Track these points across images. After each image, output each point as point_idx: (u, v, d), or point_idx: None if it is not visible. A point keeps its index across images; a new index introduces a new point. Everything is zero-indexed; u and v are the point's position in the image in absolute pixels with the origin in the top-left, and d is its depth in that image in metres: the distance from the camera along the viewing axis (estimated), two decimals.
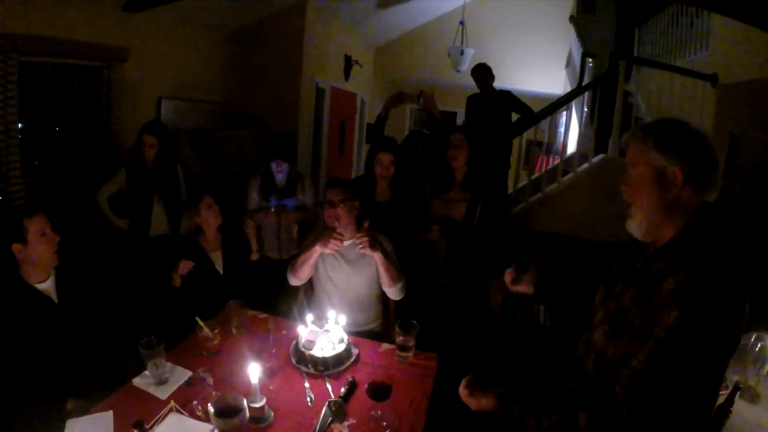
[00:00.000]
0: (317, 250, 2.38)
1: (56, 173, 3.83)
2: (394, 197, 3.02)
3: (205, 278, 2.70)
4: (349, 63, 6.64)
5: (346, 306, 2.45)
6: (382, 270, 2.41)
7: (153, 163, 3.40)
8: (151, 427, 1.57)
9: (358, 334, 2.35)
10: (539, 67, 7.88)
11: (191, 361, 1.99)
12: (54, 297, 2.03)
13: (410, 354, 2.08)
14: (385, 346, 2.23)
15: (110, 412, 1.62)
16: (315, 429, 1.63)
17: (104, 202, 3.38)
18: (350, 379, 1.90)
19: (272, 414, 1.66)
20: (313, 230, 3.44)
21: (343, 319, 2.12)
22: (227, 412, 1.45)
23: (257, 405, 1.57)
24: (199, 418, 1.65)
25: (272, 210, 3.17)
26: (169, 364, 1.91)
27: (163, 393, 1.79)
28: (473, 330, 3.07)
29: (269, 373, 1.91)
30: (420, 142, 3.62)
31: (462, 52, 6.32)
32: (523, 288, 1.77)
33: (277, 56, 5.23)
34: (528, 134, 5.41)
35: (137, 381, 1.84)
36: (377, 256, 2.36)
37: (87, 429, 1.53)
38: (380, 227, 2.63)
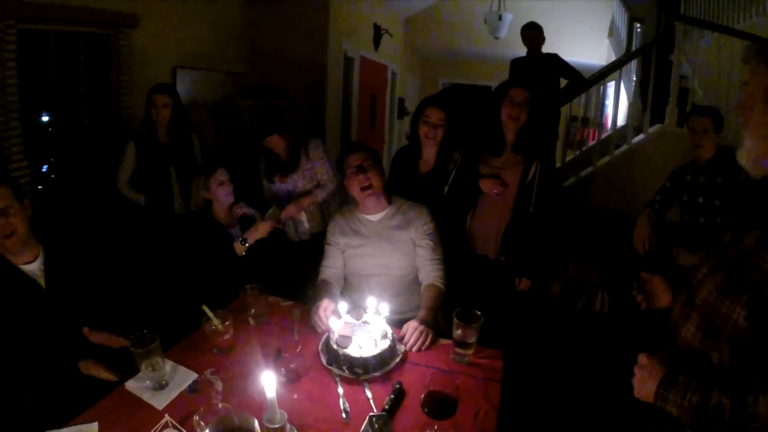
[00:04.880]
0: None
1: (62, 151, 3.50)
2: (439, 164, 2.54)
3: (227, 258, 2.35)
4: (378, 32, 6.15)
5: (383, 290, 2.03)
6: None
7: (166, 131, 3.05)
8: None
9: (400, 322, 1.90)
10: (581, 35, 7.32)
11: (198, 361, 1.61)
12: (41, 281, 1.76)
13: (470, 352, 1.65)
14: (438, 340, 1.78)
15: (95, 425, 1.31)
16: None
17: (126, 188, 3.08)
18: (396, 385, 1.46)
19: None
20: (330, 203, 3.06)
21: (385, 307, 1.67)
22: None
23: (275, 426, 1.15)
24: None
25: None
26: (169, 364, 1.56)
27: (159, 401, 1.43)
28: (534, 320, 2.64)
29: (292, 377, 1.50)
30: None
31: (500, 17, 5.82)
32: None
33: (300, 21, 4.77)
34: (569, 109, 4.93)
35: (131, 385, 1.50)
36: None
37: None
38: (418, 199, 2.22)
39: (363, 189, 2.03)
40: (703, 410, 0.98)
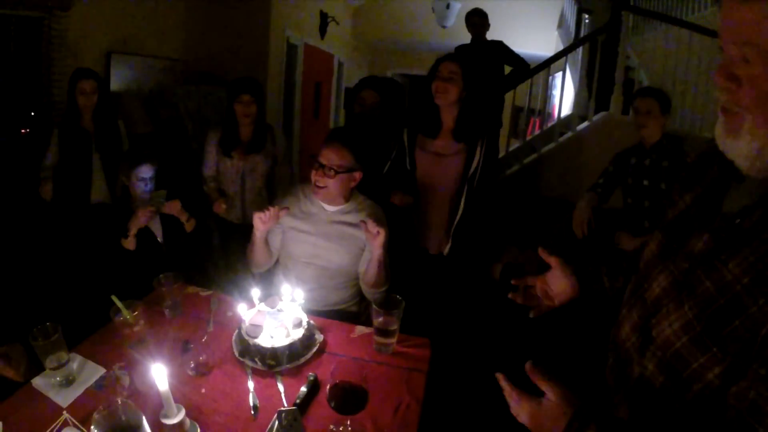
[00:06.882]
0: (258, 229, 1.91)
1: None
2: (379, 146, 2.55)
3: (143, 249, 2.28)
4: (324, 20, 6.09)
5: (312, 279, 2.00)
6: (374, 267, 1.92)
7: (91, 118, 2.94)
8: None
9: (327, 314, 1.90)
10: (530, 26, 7.41)
11: (109, 355, 1.55)
12: None
13: (393, 340, 1.61)
14: (360, 329, 1.76)
15: None
16: None
17: (50, 175, 2.94)
18: (311, 377, 1.43)
19: (198, 430, 1.22)
20: (282, 187, 3.03)
21: (300, 294, 1.64)
22: None
23: (171, 421, 1.12)
24: None
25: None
26: (78, 360, 1.50)
27: (65, 398, 1.37)
28: (471, 307, 2.65)
29: (201, 370, 1.46)
30: (375, 87, 2.95)
31: (448, 6, 5.90)
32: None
33: (241, 6, 4.68)
34: (517, 100, 5.00)
35: (38, 382, 1.42)
36: (378, 253, 1.88)
37: None
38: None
39: (316, 185, 1.94)
40: None
